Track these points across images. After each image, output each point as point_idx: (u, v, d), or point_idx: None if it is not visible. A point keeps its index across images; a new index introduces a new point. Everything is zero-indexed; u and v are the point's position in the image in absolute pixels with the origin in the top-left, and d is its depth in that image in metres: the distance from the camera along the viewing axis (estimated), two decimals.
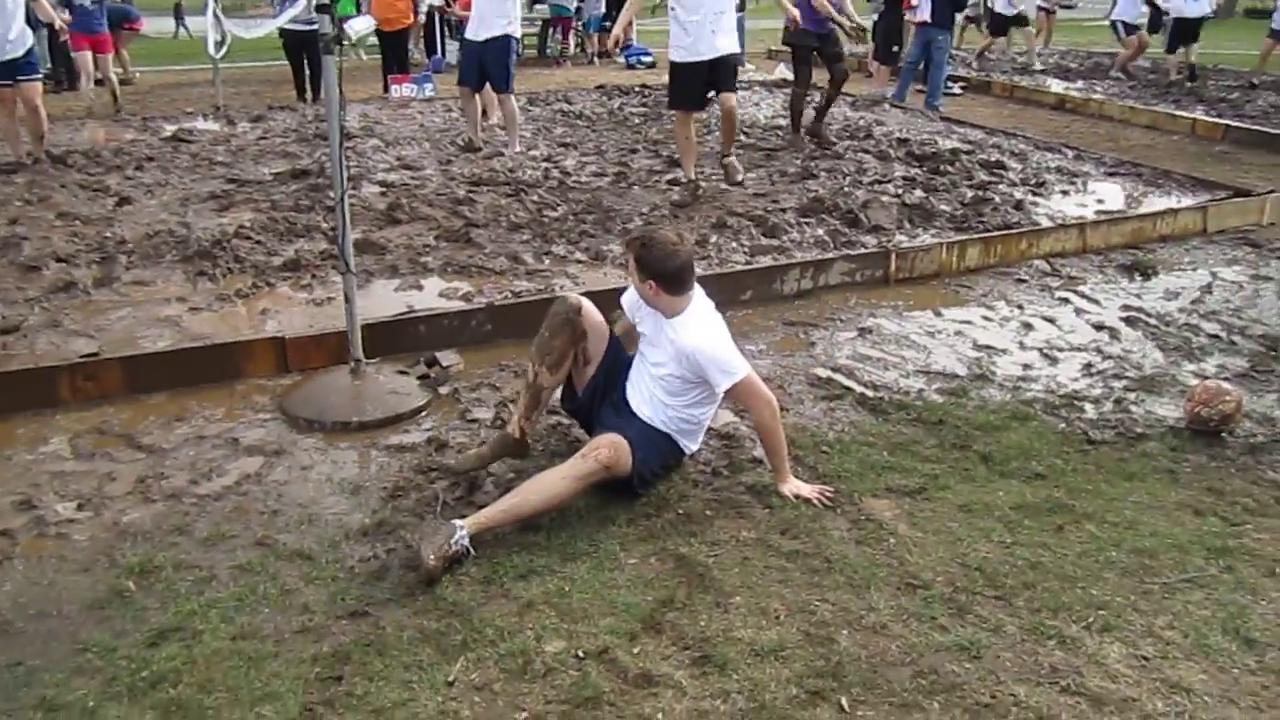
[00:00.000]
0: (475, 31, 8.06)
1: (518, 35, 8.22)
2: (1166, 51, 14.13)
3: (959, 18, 13.31)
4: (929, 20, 11.34)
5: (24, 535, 3.13)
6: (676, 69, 6.88)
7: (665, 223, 6.26)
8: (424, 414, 3.97)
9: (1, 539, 3.10)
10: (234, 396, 4.13)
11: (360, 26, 10.52)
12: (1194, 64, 13.92)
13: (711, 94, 7.03)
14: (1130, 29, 14.76)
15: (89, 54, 10.79)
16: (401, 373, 4.23)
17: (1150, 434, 3.90)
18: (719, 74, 6.81)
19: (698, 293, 3.37)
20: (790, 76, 13.74)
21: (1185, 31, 13.67)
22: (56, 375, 4.06)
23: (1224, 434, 3.86)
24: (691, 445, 3.48)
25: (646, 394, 3.38)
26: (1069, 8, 15.92)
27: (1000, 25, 15.62)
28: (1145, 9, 14.97)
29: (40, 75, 7.98)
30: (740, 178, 7.18)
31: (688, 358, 3.23)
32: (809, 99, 9.33)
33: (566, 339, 3.34)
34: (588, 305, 3.37)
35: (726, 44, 6.73)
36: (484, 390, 4.16)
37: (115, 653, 2.58)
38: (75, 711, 2.38)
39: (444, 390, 4.15)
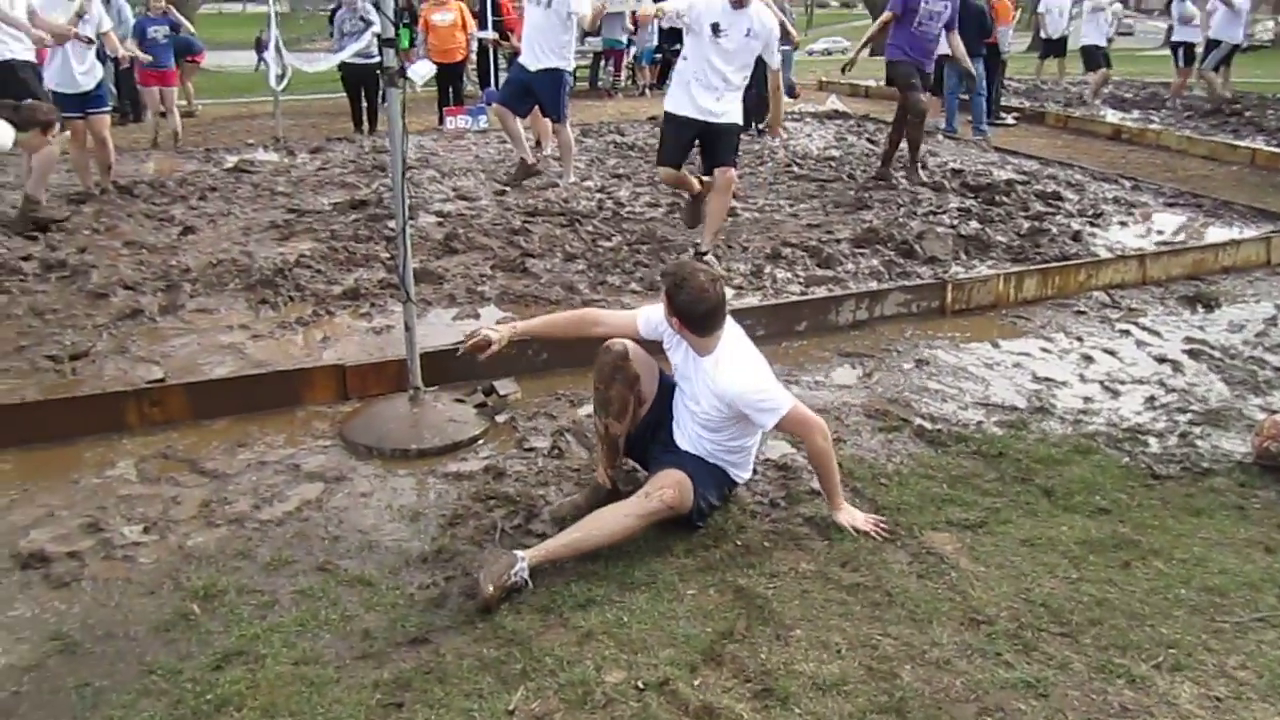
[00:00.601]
0: (527, 60, 8.11)
1: (569, 69, 8.21)
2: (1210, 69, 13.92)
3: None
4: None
5: (92, 557, 3.19)
6: (665, 119, 6.31)
7: (718, 255, 6.28)
8: (482, 442, 4.00)
9: (70, 561, 3.16)
10: (295, 423, 4.18)
11: (423, 72, 10.76)
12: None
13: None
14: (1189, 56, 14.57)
15: (156, 89, 11.08)
16: (459, 401, 4.27)
17: (1217, 469, 3.82)
18: (712, 144, 6.14)
19: (727, 325, 3.33)
20: (842, 108, 13.89)
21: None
22: (123, 401, 4.14)
23: None
24: (744, 474, 3.46)
25: (689, 431, 3.36)
26: (1127, 34, 15.77)
27: (1094, 59, 14.92)
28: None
29: (109, 108, 8.21)
30: (722, 272, 5.86)
31: (728, 403, 3.19)
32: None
33: (623, 386, 3.32)
34: (633, 348, 3.34)
35: (726, 110, 6.01)
36: (540, 419, 4.18)
37: (180, 675, 2.61)
38: None
39: (501, 419, 4.17)
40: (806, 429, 3.25)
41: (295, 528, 3.36)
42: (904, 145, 8.58)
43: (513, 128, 8.41)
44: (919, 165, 8.61)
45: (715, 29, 5.63)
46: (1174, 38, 15.09)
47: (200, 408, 4.21)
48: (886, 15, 8.29)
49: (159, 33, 10.96)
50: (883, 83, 17.02)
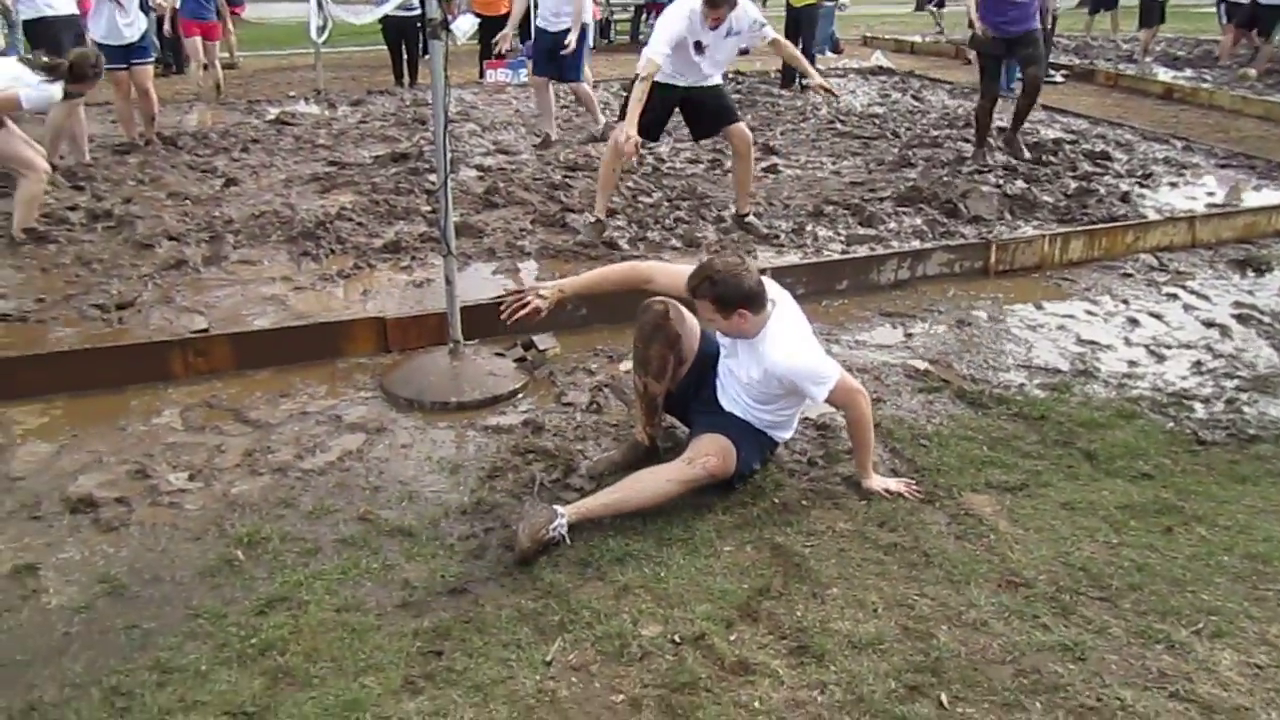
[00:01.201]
0: (548, 21, 8.03)
1: (589, 23, 8.08)
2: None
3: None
4: None
5: (139, 503, 3.25)
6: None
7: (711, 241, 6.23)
8: (521, 396, 4.02)
9: (118, 506, 3.22)
10: (336, 375, 4.22)
11: (465, 26, 10.67)
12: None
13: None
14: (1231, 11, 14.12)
15: (199, 40, 11.10)
16: (499, 355, 4.28)
17: (1264, 436, 3.77)
18: (704, 105, 5.71)
19: (771, 302, 3.23)
20: (886, 64, 13.66)
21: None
22: (169, 350, 4.20)
23: None
24: (785, 434, 3.46)
25: (739, 400, 3.33)
26: None
27: (1151, 14, 14.43)
28: None
29: (152, 59, 8.24)
30: (765, 233, 5.89)
31: (779, 378, 3.15)
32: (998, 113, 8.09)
33: (662, 345, 3.28)
34: (674, 307, 3.29)
35: (711, 75, 5.63)
36: (579, 374, 4.19)
37: (225, 619, 2.67)
38: (188, 674, 2.47)
39: (540, 373, 4.19)
40: (852, 397, 3.22)
41: (337, 477, 3.40)
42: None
43: (546, 103, 8.35)
44: (1019, 133, 7.83)
45: (698, 46, 5.43)
46: None
47: (243, 358, 4.26)
48: None
49: None
50: (928, 38, 16.90)
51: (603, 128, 8.16)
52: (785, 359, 3.13)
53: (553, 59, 8.06)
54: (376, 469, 3.46)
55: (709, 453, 3.14)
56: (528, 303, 3.30)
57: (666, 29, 5.23)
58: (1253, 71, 12.71)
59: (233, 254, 5.54)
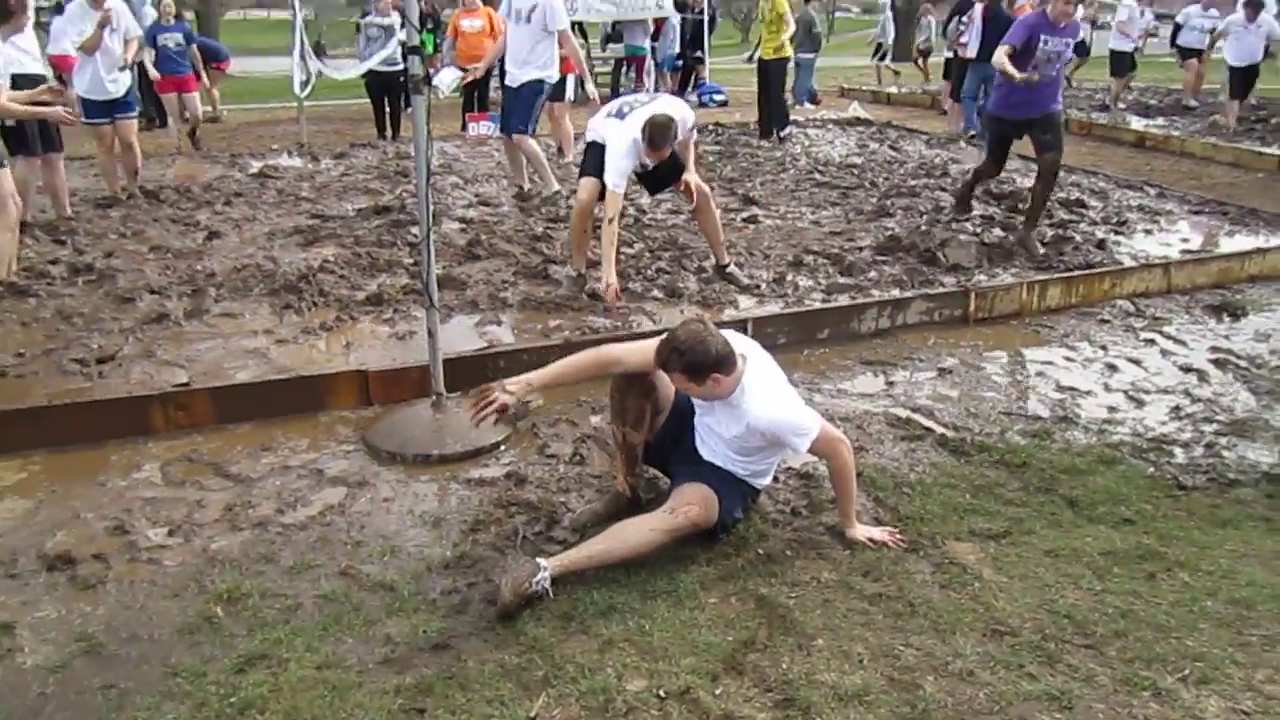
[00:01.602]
0: (512, 76, 8.00)
1: (550, 78, 8.03)
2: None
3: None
4: (977, 57, 11.41)
5: (117, 560, 3.22)
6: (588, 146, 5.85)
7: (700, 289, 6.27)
8: (503, 448, 4.01)
9: (96, 563, 3.19)
10: (318, 428, 4.21)
11: (449, 79, 10.76)
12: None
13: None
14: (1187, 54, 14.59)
15: (174, 96, 11.18)
16: None
17: (1244, 480, 3.79)
18: (656, 174, 5.78)
19: (742, 360, 3.20)
20: (863, 114, 13.88)
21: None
22: (149, 404, 4.18)
23: None
24: (765, 481, 3.46)
25: (718, 452, 3.32)
26: (1153, 36, 15.59)
27: (1122, 64, 14.97)
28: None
29: (136, 113, 8.29)
30: (747, 283, 5.93)
31: (761, 432, 3.15)
32: (994, 182, 7.98)
33: (638, 395, 3.29)
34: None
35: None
36: (562, 426, 4.19)
37: (204, 678, 2.63)
38: None
39: (523, 425, 4.18)
40: (834, 446, 3.22)
41: (318, 532, 3.37)
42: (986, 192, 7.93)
43: (515, 157, 8.39)
44: (1035, 226, 6.85)
45: (644, 166, 5.56)
46: (1179, 41, 15.06)
47: (225, 412, 4.24)
48: (1009, 48, 6.50)
49: (170, 40, 11.05)
50: (905, 88, 17.19)
51: (554, 192, 8.11)
52: (766, 413, 3.13)
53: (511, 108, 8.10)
54: (358, 523, 3.44)
55: (691, 501, 3.14)
56: (493, 400, 3.13)
57: (618, 163, 5.39)
58: (1221, 119, 12.96)
59: (215, 307, 5.54)
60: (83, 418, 4.08)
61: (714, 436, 3.32)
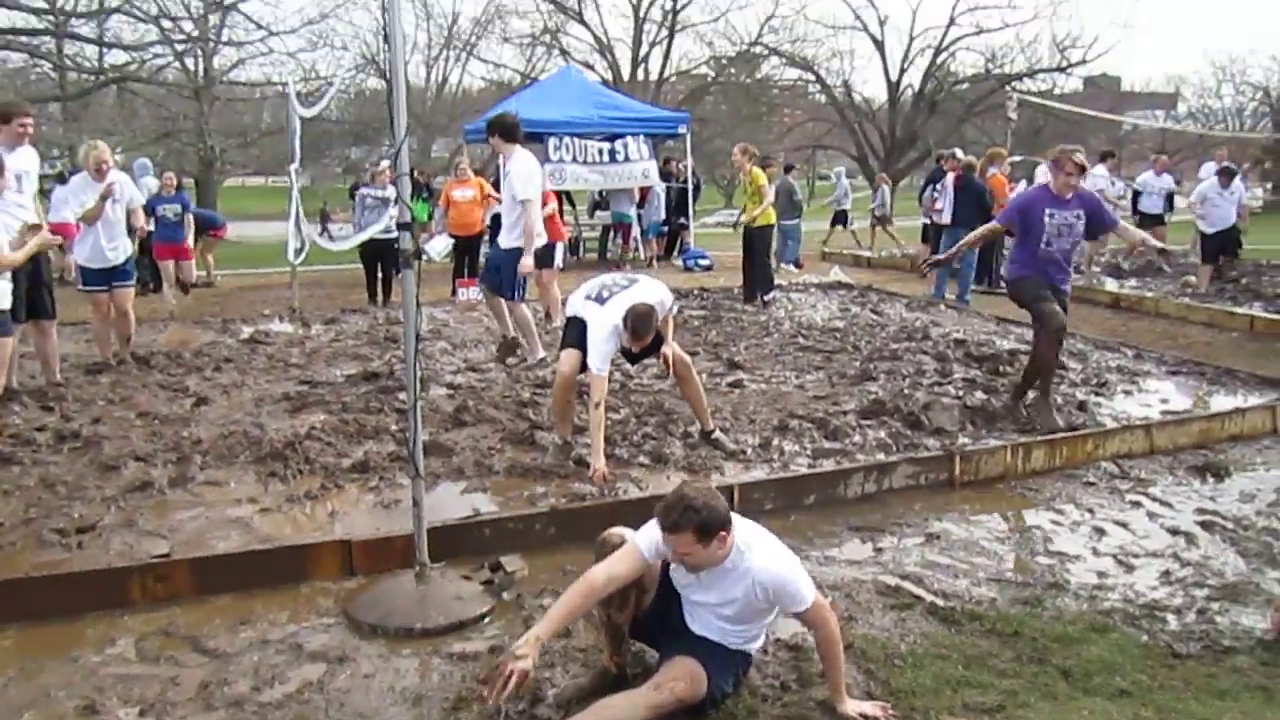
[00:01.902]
0: (502, 239, 8.22)
1: (558, 244, 8.23)
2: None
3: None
4: (951, 222, 11.86)
5: None
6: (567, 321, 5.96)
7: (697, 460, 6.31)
8: (487, 620, 3.94)
9: None
10: (299, 600, 4.14)
11: (440, 248, 11.06)
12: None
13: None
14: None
15: (171, 263, 11.48)
16: (466, 578, 4.22)
17: (1239, 646, 3.74)
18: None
19: (736, 522, 3.19)
20: (844, 279, 14.21)
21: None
22: (127, 576, 4.13)
23: None
24: (758, 645, 3.40)
25: (711, 625, 3.27)
26: (1122, 200, 16.20)
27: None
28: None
29: (133, 282, 8.44)
30: (733, 449, 5.97)
31: (763, 588, 3.10)
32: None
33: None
34: (630, 536, 3.24)
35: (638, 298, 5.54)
36: (547, 597, 4.12)
37: None
38: None
39: (508, 596, 4.13)
40: (824, 615, 3.19)
41: (295, 711, 3.29)
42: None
43: (496, 308, 8.49)
44: (1048, 394, 6.56)
45: (625, 350, 5.71)
46: (1140, 207, 15.79)
47: (204, 583, 4.18)
48: (994, 226, 6.74)
49: (169, 211, 11.47)
50: (885, 253, 17.67)
51: (539, 359, 8.19)
52: (773, 568, 3.11)
53: (496, 273, 8.27)
54: (337, 701, 3.35)
55: (677, 677, 3.07)
56: (510, 674, 2.89)
57: (600, 348, 5.50)
58: (1193, 280, 13.32)
59: (199, 475, 5.52)
60: (58, 590, 4.01)
61: (705, 610, 3.27)
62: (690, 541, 3.05)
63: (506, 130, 7.88)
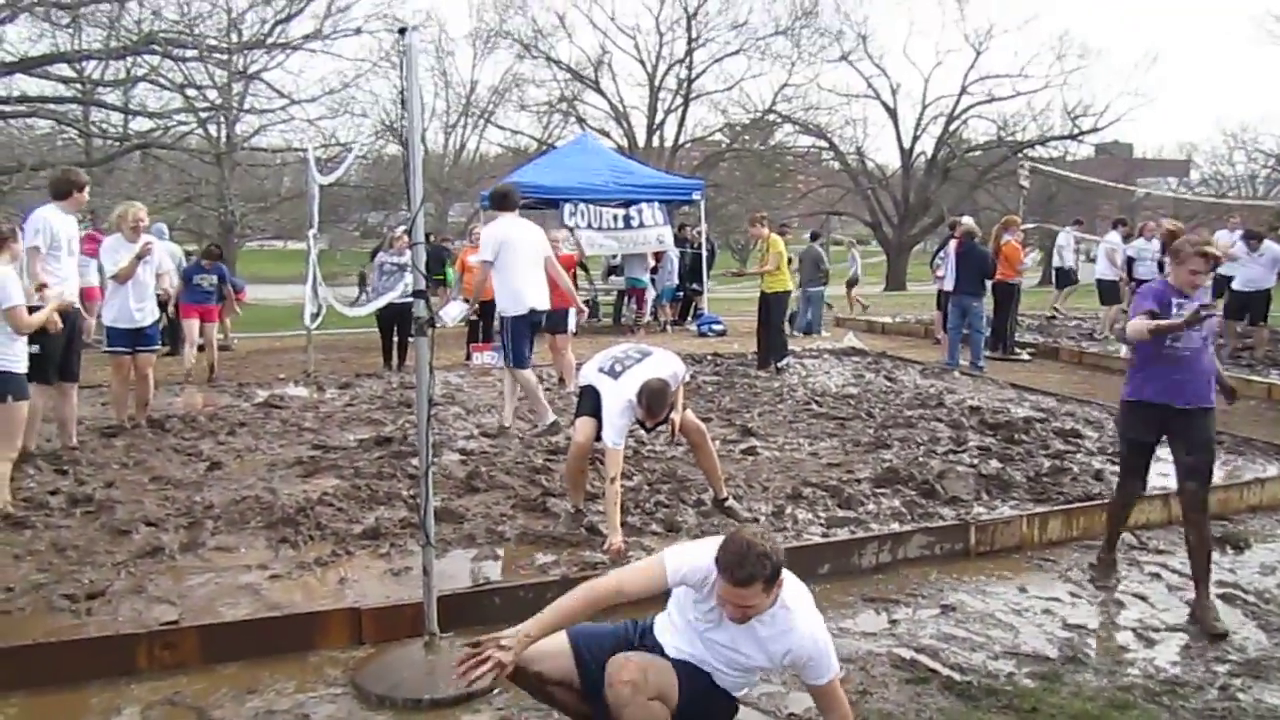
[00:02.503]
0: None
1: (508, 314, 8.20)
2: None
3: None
4: (954, 290, 12.00)
5: None
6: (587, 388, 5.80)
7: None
8: (497, 692, 3.89)
9: None
10: (307, 669, 4.10)
11: (455, 313, 11.15)
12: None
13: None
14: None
15: (196, 322, 11.60)
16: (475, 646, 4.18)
17: None
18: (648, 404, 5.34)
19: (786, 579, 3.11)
20: (858, 345, 14.22)
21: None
22: (135, 643, 4.10)
23: None
24: (741, 693, 3.31)
25: (712, 657, 3.17)
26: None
27: (1112, 293, 15.55)
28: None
29: (157, 347, 8.51)
30: (746, 517, 5.89)
31: (797, 652, 3.01)
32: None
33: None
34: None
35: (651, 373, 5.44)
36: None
37: None
38: None
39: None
40: (841, 697, 3.12)
41: None
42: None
43: (508, 387, 8.44)
44: (1206, 592, 4.81)
45: (641, 424, 5.65)
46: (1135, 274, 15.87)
47: (212, 651, 4.15)
48: (1143, 316, 4.85)
49: (204, 281, 11.66)
50: (898, 317, 17.69)
51: (551, 423, 8.14)
52: (819, 636, 3.06)
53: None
54: None
55: (642, 667, 3.01)
56: (488, 657, 2.92)
57: (615, 421, 5.48)
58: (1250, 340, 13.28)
59: (210, 540, 5.51)
60: (65, 657, 3.99)
61: (715, 646, 3.15)
62: (760, 592, 2.91)
63: (494, 199, 8.53)
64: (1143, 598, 4.93)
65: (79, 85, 22.79)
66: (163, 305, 11.60)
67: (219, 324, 14.13)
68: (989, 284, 12.62)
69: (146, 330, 8.10)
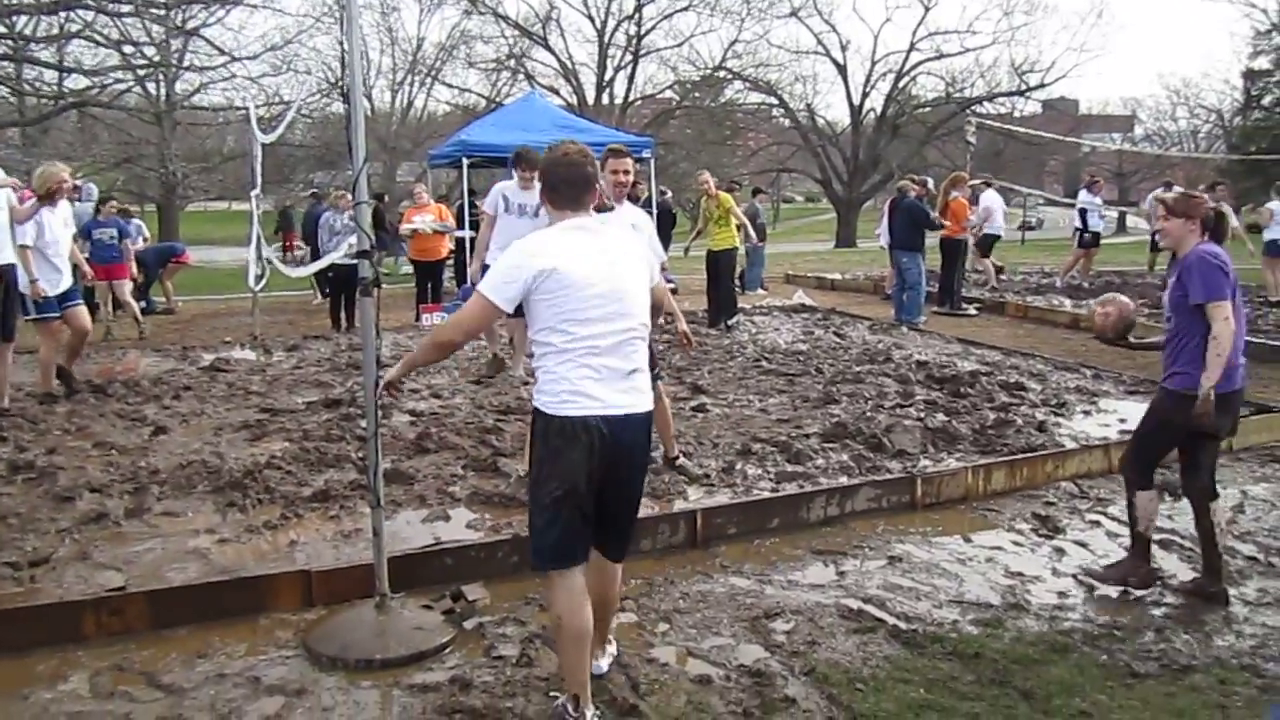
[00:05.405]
0: (495, 256, 8.26)
1: None
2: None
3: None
4: (891, 245, 12.12)
5: None
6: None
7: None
8: (448, 650, 3.90)
9: None
10: (257, 632, 4.08)
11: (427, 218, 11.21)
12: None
13: None
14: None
15: (105, 284, 11.43)
16: (426, 607, 4.19)
17: (1195, 665, 3.78)
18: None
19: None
20: (808, 301, 14.30)
21: None
22: (81, 610, 4.04)
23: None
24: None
25: None
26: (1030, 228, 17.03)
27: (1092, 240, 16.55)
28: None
29: (80, 301, 8.37)
30: (698, 474, 5.91)
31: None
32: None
33: None
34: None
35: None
36: (509, 625, 4.09)
37: None
38: None
39: (469, 625, 4.08)
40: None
41: None
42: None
43: (489, 330, 8.53)
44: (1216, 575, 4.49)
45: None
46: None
47: (160, 617, 4.10)
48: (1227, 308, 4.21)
49: (104, 234, 11.45)
50: (848, 274, 17.81)
51: (520, 375, 8.19)
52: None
53: None
54: None
55: None
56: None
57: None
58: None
59: (156, 506, 5.44)
60: (9, 625, 3.92)
61: None
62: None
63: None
64: (1084, 545, 5.05)
65: (9, 41, 22.09)
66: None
67: (160, 285, 13.92)
68: (939, 241, 12.77)
69: (69, 290, 8.05)
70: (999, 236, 16.34)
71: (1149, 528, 4.57)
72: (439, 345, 3.44)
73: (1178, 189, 15.54)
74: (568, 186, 3.32)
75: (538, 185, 3.62)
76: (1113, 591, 4.48)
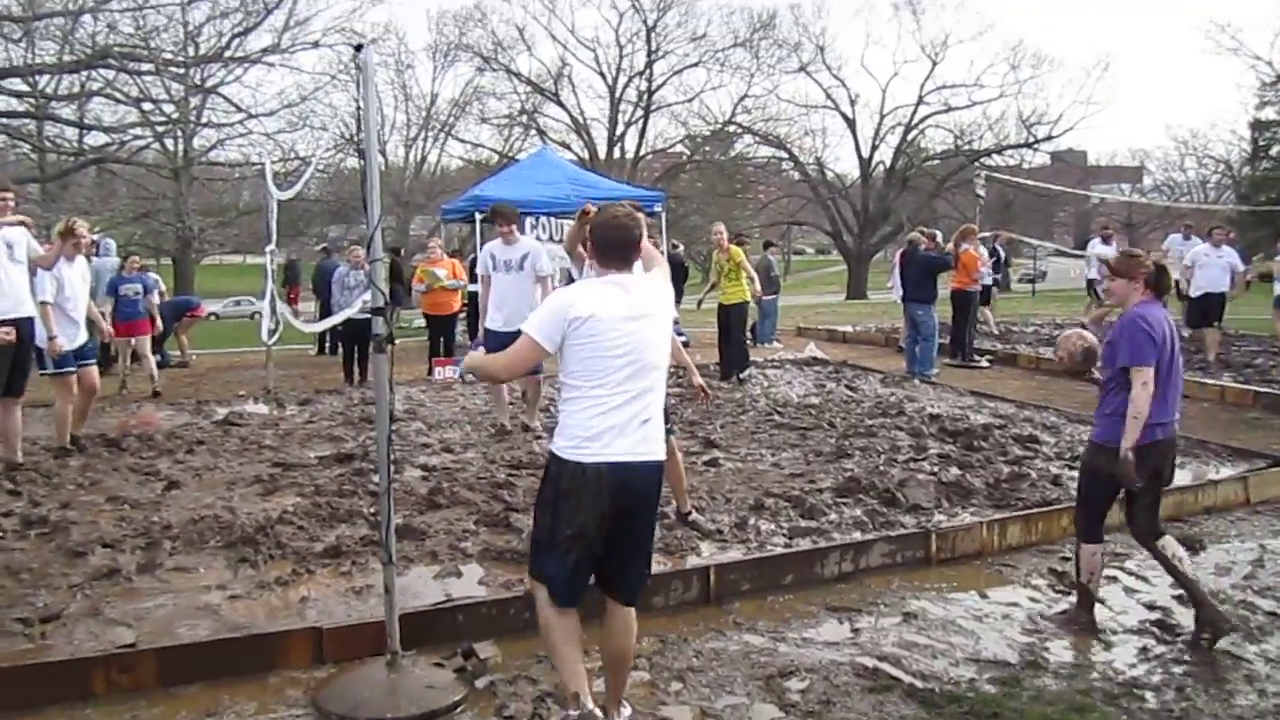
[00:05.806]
0: (497, 324, 8.28)
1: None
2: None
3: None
4: (903, 298, 12.16)
5: None
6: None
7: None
8: (460, 710, 3.86)
9: None
10: (267, 690, 4.05)
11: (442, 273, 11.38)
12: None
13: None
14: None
15: (126, 340, 11.50)
16: (438, 665, 4.16)
17: None
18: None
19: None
20: (820, 354, 14.29)
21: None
22: (91, 667, 4.03)
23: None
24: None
25: None
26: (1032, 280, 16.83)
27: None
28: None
29: (95, 361, 8.43)
30: (710, 529, 5.85)
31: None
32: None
33: None
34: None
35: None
36: (521, 683, 4.06)
37: None
38: None
39: (480, 684, 4.05)
40: None
41: None
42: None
43: (498, 394, 8.62)
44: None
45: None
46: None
47: (170, 674, 4.08)
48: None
49: (130, 289, 11.51)
50: (859, 326, 17.82)
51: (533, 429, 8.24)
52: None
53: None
54: None
55: None
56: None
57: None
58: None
59: (168, 561, 5.43)
60: (20, 683, 3.91)
61: None
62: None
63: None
64: (1100, 600, 4.98)
65: (32, 99, 22.50)
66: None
67: (175, 339, 14.02)
68: (950, 293, 12.79)
69: (85, 346, 8.10)
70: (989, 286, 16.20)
71: (1091, 580, 4.73)
72: (489, 377, 3.99)
73: (1117, 246, 15.64)
74: (615, 248, 3.56)
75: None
76: (1132, 648, 4.42)
